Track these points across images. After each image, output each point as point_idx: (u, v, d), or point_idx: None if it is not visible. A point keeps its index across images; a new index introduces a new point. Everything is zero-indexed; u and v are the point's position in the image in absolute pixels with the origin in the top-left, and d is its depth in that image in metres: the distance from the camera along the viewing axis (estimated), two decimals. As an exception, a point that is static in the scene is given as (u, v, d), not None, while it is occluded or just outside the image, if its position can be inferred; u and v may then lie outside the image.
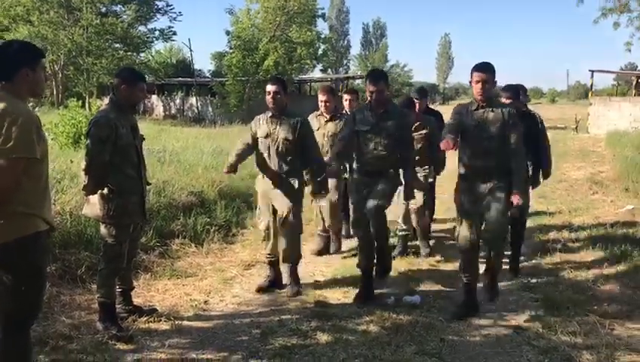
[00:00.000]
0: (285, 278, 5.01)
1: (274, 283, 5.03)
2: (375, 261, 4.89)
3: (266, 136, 4.84)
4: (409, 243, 6.16)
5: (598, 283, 5.06)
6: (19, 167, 2.67)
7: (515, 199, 4.22)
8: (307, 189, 5.10)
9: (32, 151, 2.69)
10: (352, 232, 6.01)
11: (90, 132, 3.88)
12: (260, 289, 4.94)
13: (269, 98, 4.81)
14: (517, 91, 5.45)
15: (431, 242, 6.33)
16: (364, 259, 4.83)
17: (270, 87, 4.83)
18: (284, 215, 4.78)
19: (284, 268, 5.03)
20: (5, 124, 2.63)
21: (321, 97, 6.06)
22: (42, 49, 3.08)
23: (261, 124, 4.89)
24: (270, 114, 4.87)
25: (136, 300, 4.47)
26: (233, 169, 4.96)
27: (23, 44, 3.01)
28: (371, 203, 4.62)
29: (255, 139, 4.91)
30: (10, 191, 2.68)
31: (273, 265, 5.05)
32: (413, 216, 5.99)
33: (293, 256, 4.97)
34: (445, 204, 7.05)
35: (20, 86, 2.80)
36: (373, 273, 4.91)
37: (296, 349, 3.81)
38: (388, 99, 4.85)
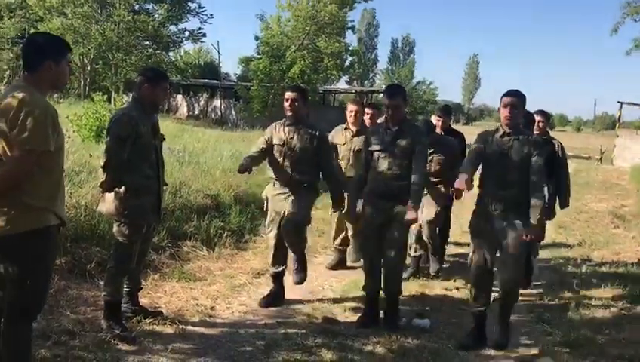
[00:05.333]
0: (292, 264, 4.86)
1: (277, 298, 4.90)
2: (382, 285, 4.65)
3: (282, 144, 4.73)
4: (422, 266, 6.03)
5: (615, 323, 4.87)
6: (31, 159, 2.66)
7: (529, 235, 4.12)
8: (327, 200, 4.99)
9: (45, 144, 2.68)
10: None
11: (111, 129, 3.85)
12: (263, 303, 4.81)
13: (286, 104, 4.74)
14: (532, 117, 5.36)
15: (446, 265, 6.20)
16: (369, 283, 4.65)
17: (288, 94, 4.76)
18: (289, 215, 4.62)
19: (290, 264, 4.90)
20: (21, 114, 2.63)
21: (352, 107, 5.92)
22: (69, 43, 3.07)
23: (277, 131, 4.80)
24: (288, 122, 4.78)
25: (143, 301, 4.43)
26: (247, 169, 4.64)
27: (50, 37, 3.01)
28: (389, 252, 4.49)
29: (270, 145, 4.80)
30: (20, 181, 2.67)
31: (278, 277, 4.92)
32: (425, 230, 5.74)
33: (300, 243, 4.80)
34: (464, 228, 6.93)
35: (41, 78, 2.80)
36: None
37: (299, 365, 3.73)
38: (404, 117, 4.66)
